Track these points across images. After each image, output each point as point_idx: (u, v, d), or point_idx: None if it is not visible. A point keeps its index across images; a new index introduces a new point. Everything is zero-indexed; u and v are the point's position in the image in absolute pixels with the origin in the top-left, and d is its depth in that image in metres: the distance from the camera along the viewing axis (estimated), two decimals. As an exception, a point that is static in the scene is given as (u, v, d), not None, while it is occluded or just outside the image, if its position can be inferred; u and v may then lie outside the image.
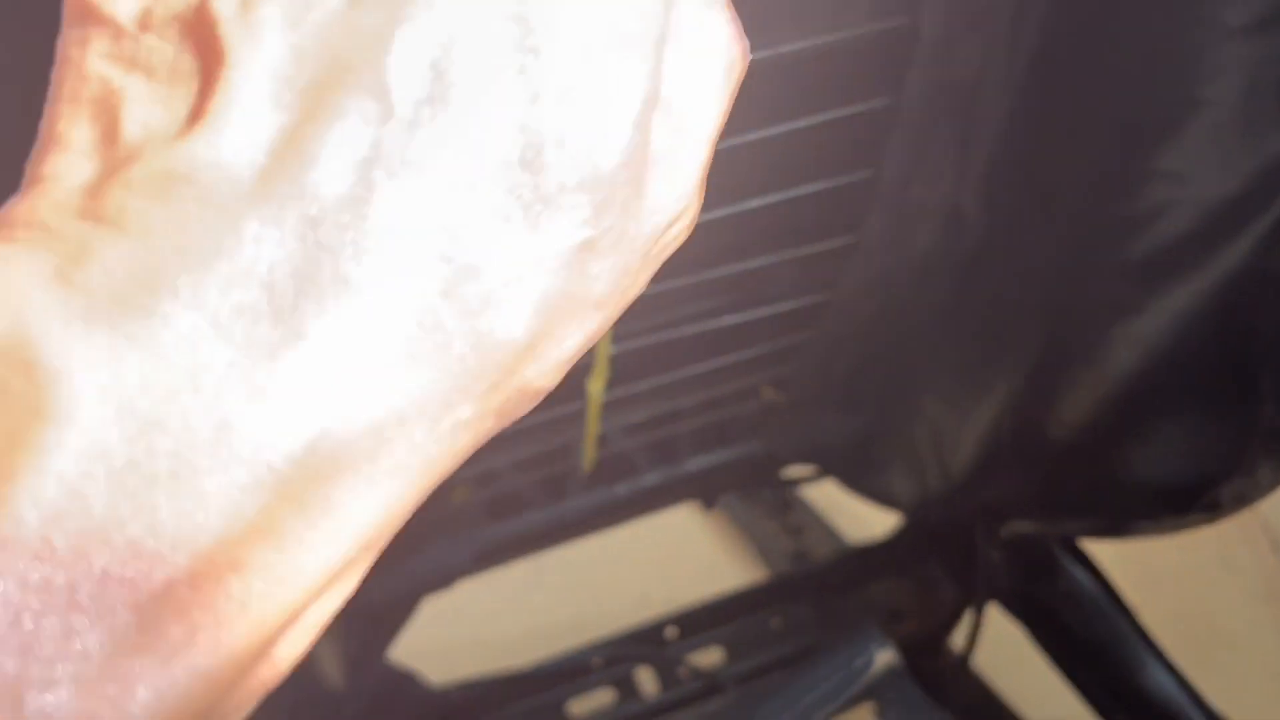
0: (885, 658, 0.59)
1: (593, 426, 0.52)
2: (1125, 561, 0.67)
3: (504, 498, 0.58)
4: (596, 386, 0.48)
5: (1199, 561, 0.94)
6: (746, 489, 0.85)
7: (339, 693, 0.53)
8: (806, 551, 0.85)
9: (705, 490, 0.64)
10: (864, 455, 0.62)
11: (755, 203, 0.45)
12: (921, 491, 0.61)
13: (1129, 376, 0.44)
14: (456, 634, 0.76)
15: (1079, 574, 0.61)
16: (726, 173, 0.43)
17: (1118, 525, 0.50)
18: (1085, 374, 0.46)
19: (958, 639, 0.72)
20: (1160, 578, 0.88)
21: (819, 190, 0.45)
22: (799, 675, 0.57)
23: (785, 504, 0.88)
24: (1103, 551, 0.63)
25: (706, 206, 0.45)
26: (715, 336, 0.50)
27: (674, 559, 0.88)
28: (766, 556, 0.87)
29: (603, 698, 0.67)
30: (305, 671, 0.42)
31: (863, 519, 0.79)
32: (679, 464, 0.61)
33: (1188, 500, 0.45)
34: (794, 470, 0.68)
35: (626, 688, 0.67)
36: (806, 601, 0.72)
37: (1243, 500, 0.44)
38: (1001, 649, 0.71)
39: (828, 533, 0.86)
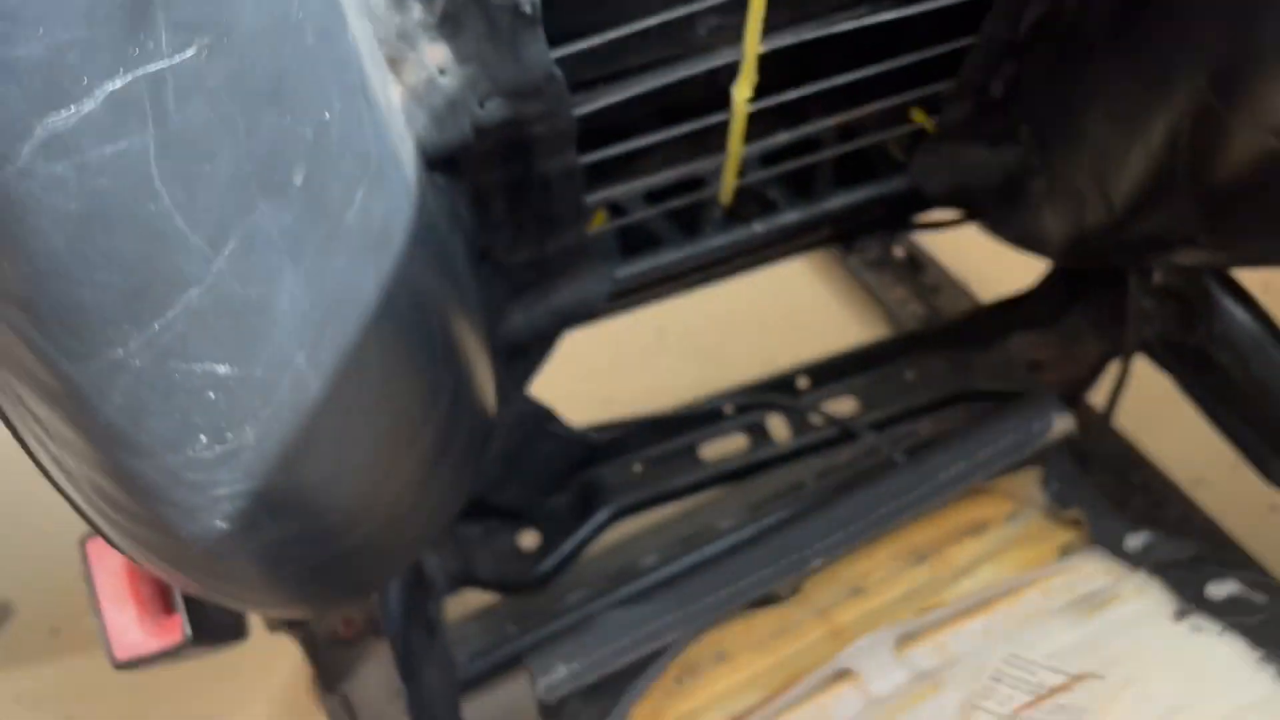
0: (1063, 425, 0.57)
1: (736, 145, 0.50)
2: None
3: (638, 234, 0.57)
4: (743, 93, 0.46)
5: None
6: (887, 232, 0.82)
7: (490, 421, 0.54)
8: (940, 313, 0.83)
9: (844, 230, 0.62)
10: (1016, 192, 0.59)
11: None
12: (1078, 228, 0.58)
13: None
14: (587, 389, 0.76)
15: (1238, 312, 0.58)
16: None
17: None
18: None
19: (1097, 398, 0.70)
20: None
21: None
22: (977, 428, 0.56)
23: (917, 265, 0.86)
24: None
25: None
26: (868, 39, 0.47)
27: (801, 325, 0.86)
28: (898, 320, 0.85)
29: (735, 443, 0.68)
30: (469, 395, 0.42)
31: (998, 279, 0.76)
32: (819, 201, 0.58)
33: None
34: (937, 215, 0.65)
35: (758, 433, 0.68)
36: (942, 354, 0.70)
37: None
38: (1144, 407, 0.69)
39: (962, 294, 0.83)
